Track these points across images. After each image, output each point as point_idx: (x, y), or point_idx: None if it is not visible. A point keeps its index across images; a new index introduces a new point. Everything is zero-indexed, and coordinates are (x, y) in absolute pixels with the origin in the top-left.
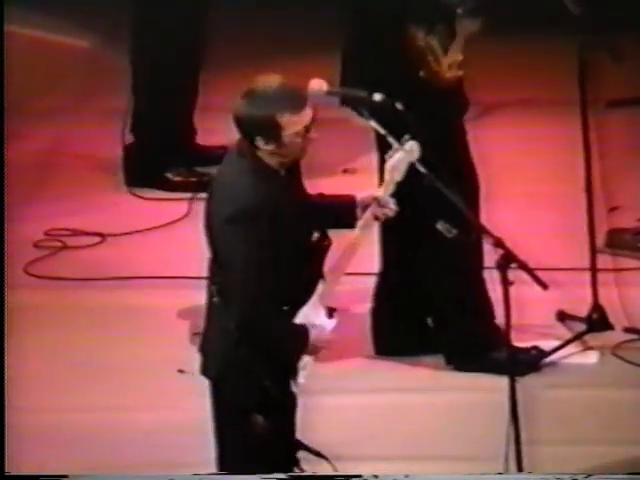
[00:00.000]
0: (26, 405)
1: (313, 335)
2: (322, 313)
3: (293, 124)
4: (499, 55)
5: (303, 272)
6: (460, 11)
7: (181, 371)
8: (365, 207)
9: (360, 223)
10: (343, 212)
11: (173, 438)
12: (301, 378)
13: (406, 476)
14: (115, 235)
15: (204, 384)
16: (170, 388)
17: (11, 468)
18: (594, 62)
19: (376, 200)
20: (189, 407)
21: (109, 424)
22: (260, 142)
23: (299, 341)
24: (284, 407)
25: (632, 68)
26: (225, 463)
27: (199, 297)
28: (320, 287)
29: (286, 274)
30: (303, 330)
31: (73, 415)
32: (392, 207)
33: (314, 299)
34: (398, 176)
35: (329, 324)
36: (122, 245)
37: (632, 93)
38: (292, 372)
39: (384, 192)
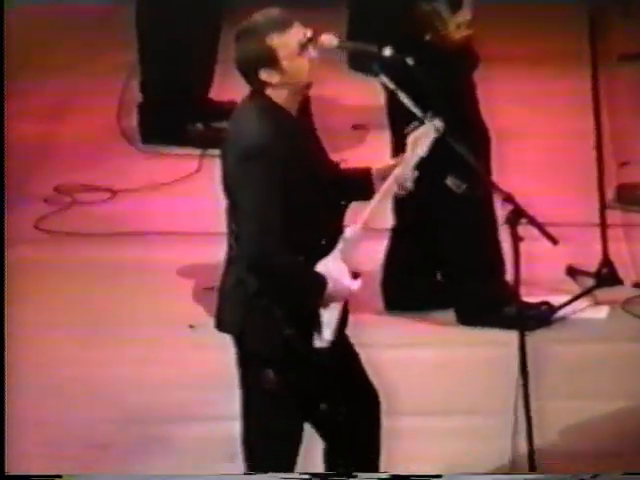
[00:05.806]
0: (33, 360)
1: (331, 288)
2: (346, 272)
3: (285, 44)
4: (509, 9)
5: (320, 222)
6: None
7: (192, 326)
8: (383, 178)
9: (378, 194)
10: (360, 185)
11: (183, 392)
12: (327, 335)
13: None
14: (126, 191)
15: (215, 339)
16: (180, 342)
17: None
18: (605, 16)
19: (397, 172)
20: (199, 361)
21: (119, 377)
22: (264, 74)
23: (314, 285)
24: (308, 362)
25: None
26: (249, 419)
27: (210, 252)
28: (341, 244)
29: (300, 218)
30: (319, 277)
31: (82, 369)
32: (410, 184)
33: (335, 254)
34: (421, 151)
35: (353, 285)
36: (133, 200)
37: None
38: (315, 325)
39: (406, 165)
